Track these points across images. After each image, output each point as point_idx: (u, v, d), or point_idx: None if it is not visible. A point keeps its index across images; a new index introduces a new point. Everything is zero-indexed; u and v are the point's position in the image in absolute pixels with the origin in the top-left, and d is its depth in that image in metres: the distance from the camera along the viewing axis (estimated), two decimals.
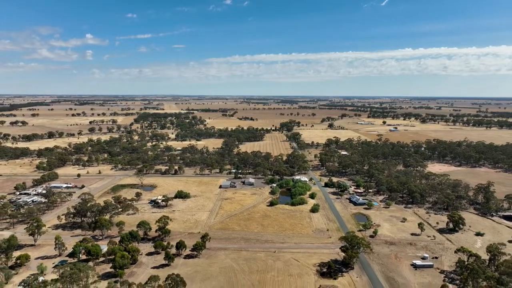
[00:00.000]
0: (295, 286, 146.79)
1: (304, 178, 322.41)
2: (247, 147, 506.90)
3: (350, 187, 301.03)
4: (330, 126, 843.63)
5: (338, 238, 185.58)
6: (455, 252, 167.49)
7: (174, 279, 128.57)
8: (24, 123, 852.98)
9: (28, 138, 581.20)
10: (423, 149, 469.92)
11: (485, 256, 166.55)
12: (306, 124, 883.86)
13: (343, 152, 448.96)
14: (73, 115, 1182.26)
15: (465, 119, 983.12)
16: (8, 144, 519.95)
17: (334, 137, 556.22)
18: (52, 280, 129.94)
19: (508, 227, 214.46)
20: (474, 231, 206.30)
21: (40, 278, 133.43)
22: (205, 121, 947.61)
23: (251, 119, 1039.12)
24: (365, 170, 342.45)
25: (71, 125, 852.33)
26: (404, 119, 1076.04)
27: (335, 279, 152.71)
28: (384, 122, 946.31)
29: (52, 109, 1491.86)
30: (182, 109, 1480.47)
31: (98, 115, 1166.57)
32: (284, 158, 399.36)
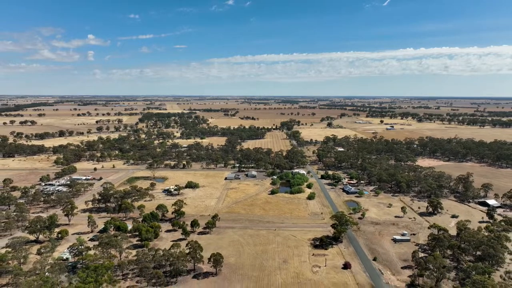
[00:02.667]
0: (292, 254, 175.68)
1: (302, 171, 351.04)
2: (249, 145, 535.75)
3: (344, 179, 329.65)
4: (329, 125, 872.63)
5: (330, 218, 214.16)
6: (428, 228, 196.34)
7: (193, 244, 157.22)
8: (33, 122, 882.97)
9: (41, 136, 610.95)
10: (415, 146, 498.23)
11: (456, 234, 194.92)
12: (306, 123, 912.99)
13: (340, 149, 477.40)
14: (78, 115, 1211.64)
15: (460, 118, 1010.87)
16: (23, 142, 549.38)
17: (332, 135, 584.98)
18: (94, 245, 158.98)
19: (481, 211, 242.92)
20: (450, 214, 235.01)
21: (82, 246, 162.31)
22: (208, 120, 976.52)
23: (253, 118, 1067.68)
24: (359, 164, 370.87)
25: (78, 124, 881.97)
26: (401, 119, 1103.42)
27: (326, 249, 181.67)
28: (381, 121, 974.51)
29: (57, 109, 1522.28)
30: (184, 109, 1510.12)
31: (103, 114, 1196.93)
32: (284, 153, 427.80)
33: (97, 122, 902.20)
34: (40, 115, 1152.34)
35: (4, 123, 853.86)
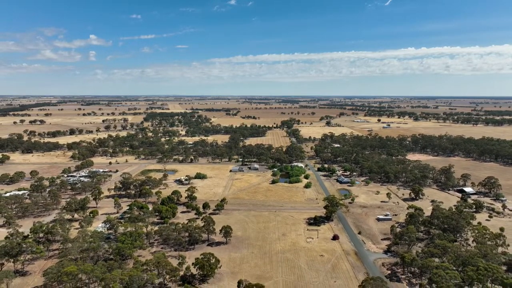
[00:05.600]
0: (290, 230, 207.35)
1: (300, 164, 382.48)
2: (251, 142, 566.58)
3: (339, 171, 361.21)
4: (328, 123, 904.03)
5: (323, 200, 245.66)
6: (407, 208, 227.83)
7: (207, 219, 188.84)
8: (42, 121, 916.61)
9: (53, 134, 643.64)
10: (407, 142, 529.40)
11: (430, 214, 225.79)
12: (306, 122, 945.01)
13: (336, 145, 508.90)
14: (83, 114, 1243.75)
15: (455, 117, 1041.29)
16: (37, 139, 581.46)
17: (330, 132, 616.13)
18: (123, 220, 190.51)
19: (458, 197, 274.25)
20: (430, 199, 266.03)
21: (115, 221, 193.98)
22: (211, 119, 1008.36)
23: (254, 117, 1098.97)
24: (353, 159, 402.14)
25: (85, 123, 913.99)
26: (398, 117, 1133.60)
27: (318, 226, 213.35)
28: (378, 120, 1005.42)
29: (62, 109, 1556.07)
30: (186, 109, 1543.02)
31: (108, 114, 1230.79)
32: (284, 149, 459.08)
33: (103, 121, 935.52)
34: (47, 114, 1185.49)
35: (15, 122, 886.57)
